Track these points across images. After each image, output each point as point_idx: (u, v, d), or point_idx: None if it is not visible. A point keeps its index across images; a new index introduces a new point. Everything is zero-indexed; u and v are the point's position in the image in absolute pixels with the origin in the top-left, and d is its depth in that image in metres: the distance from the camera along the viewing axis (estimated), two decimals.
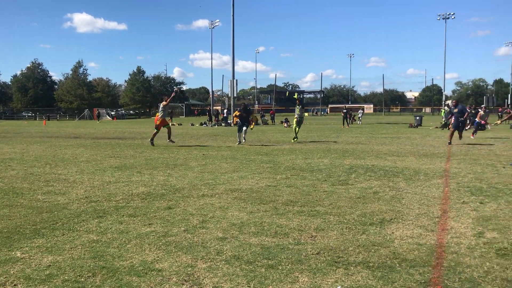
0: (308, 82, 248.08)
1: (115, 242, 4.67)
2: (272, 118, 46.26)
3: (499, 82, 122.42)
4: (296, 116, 18.94)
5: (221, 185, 7.97)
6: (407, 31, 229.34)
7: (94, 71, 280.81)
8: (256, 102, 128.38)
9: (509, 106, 75.09)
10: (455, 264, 3.97)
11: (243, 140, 17.28)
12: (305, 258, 4.16)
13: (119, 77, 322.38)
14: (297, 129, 18.82)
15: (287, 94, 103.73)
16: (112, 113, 78.26)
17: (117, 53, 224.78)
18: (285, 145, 16.71)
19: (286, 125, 35.66)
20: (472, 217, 5.69)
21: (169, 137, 16.63)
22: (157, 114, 16.74)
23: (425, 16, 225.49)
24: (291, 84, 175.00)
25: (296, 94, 20.22)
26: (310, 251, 4.36)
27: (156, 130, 16.55)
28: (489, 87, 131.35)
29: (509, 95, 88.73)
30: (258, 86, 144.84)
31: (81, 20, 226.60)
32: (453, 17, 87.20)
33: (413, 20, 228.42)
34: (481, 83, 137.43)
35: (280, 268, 3.93)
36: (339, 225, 5.30)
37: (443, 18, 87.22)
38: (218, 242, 4.67)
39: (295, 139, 18.52)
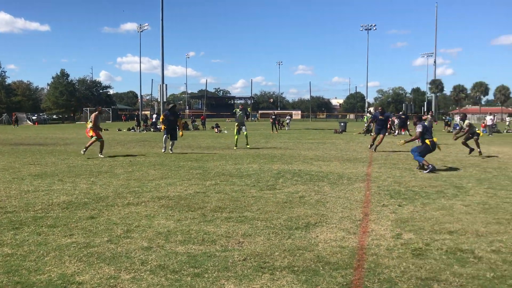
0: (239, 88, 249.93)
1: (32, 255, 4.41)
2: (203, 124, 46.00)
3: (416, 91, 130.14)
4: (237, 122, 18.09)
5: (147, 193, 7.79)
6: (332, 40, 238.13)
7: (14, 73, 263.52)
8: (187, 107, 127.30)
9: (426, 113, 79.83)
10: (375, 266, 4.15)
11: (170, 151, 15.53)
12: (232, 265, 4.17)
13: (42, 80, 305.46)
14: (236, 136, 18.01)
15: (271, 101, 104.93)
16: (33, 117, 73.99)
17: (40, 55, 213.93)
18: (215, 151, 16.67)
19: (217, 131, 35.62)
20: (391, 219, 5.98)
21: (101, 151, 14.98)
22: (88, 124, 15.03)
23: (349, 27, 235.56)
24: (222, 90, 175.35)
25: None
26: (237, 257, 4.37)
27: (95, 139, 14.39)
28: (407, 95, 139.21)
29: (425, 103, 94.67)
30: (189, 91, 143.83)
31: None
32: (374, 28, 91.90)
33: (338, 30, 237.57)
34: (400, 91, 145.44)
35: (207, 276, 3.90)
36: (266, 230, 5.36)
37: (366, 29, 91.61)
38: (143, 251, 4.55)
39: (247, 146, 18.19)
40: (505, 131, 38.79)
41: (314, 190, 8.13)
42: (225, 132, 35.79)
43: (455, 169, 11.27)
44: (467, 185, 8.69)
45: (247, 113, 18.30)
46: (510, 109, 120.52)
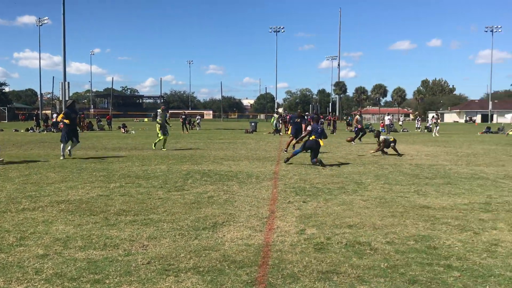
0: (147, 87, 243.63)
1: None
2: (109, 123, 44.22)
3: (322, 92, 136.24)
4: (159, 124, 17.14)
5: (46, 197, 7.30)
6: (243, 41, 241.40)
7: None
8: (92, 106, 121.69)
9: (331, 114, 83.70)
10: (279, 262, 4.24)
11: (69, 155, 13.60)
12: (135, 269, 4.03)
13: None
14: (161, 138, 17.03)
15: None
16: None
17: None
18: (122, 152, 16.09)
19: (124, 131, 34.43)
20: (296, 215, 6.16)
21: None
22: None
23: (259, 28, 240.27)
24: (129, 88, 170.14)
25: None
26: (141, 261, 4.24)
27: None
28: (314, 96, 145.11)
29: (330, 104, 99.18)
30: (94, 90, 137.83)
31: None
32: (283, 30, 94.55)
33: (248, 32, 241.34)
34: (308, 93, 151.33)
35: (108, 282, 3.73)
36: (172, 232, 5.26)
37: (275, 31, 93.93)
38: (38, 260, 4.25)
39: (162, 148, 17.15)
40: (401, 130, 41.81)
41: (223, 189, 8.14)
42: (133, 132, 34.71)
43: (356, 166, 11.92)
44: (366, 181, 9.22)
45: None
46: (406, 109, 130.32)
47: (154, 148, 17.30)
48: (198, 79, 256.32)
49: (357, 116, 22.76)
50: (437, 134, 31.92)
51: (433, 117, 35.86)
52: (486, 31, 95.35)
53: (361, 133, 21.72)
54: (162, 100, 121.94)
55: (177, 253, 4.47)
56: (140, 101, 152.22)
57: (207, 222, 5.71)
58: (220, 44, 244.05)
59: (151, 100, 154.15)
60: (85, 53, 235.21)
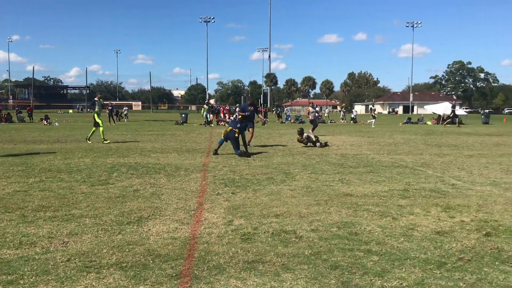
0: (72, 77, 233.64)
1: None
2: (30, 115, 41.81)
3: (253, 84, 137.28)
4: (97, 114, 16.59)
5: None
6: (173, 31, 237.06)
7: None
8: (11, 96, 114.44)
9: (263, 105, 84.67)
10: (205, 254, 4.21)
11: None
12: (53, 267, 3.83)
13: None
14: (102, 125, 16.46)
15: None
16: None
17: None
18: (43, 145, 15.25)
19: (46, 123, 32.68)
20: (224, 207, 6.15)
21: None
22: None
23: (189, 18, 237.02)
24: (53, 78, 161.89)
25: None
26: (60, 258, 4.04)
27: None
28: (245, 87, 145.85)
29: (261, 95, 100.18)
30: (13, 79, 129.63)
31: None
32: (213, 21, 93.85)
33: (178, 21, 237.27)
34: (239, 84, 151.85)
35: (22, 282, 3.52)
36: (94, 227, 5.07)
37: (205, 21, 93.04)
38: None
39: (88, 140, 16.47)
40: (329, 121, 43.14)
41: (149, 183, 7.96)
42: (56, 124, 33.07)
43: (285, 156, 12.13)
44: (294, 171, 9.41)
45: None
46: (334, 101, 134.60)
47: (106, 141, 16.15)
48: (126, 69, 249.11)
49: (309, 108, 21.40)
50: (373, 126, 32.85)
51: (371, 109, 37.12)
52: (408, 26, 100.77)
53: (312, 125, 20.38)
54: (88, 91, 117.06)
55: (99, 249, 4.31)
56: (65, 92, 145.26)
57: (132, 216, 5.55)
58: (149, 33, 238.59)
59: (76, 91, 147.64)
60: (2, 40, 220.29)
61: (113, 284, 3.51)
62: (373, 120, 34.04)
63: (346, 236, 4.83)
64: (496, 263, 4.06)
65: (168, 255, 4.16)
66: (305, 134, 15.52)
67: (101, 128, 16.36)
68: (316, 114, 36.97)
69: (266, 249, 4.36)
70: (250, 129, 14.13)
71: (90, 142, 16.14)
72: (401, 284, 3.58)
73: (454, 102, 39.31)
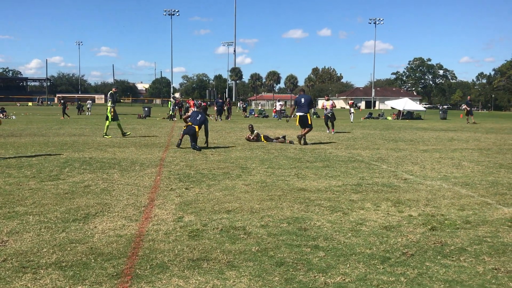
0: (32, 69, 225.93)
1: None
2: None
3: (218, 78, 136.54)
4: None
5: None
6: (137, 23, 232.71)
7: None
8: None
9: (227, 99, 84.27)
10: (150, 252, 4.12)
11: None
12: None
13: None
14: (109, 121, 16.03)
15: None
16: None
17: None
18: None
19: (2, 116, 31.51)
20: (176, 202, 6.06)
21: None
22: None
23: (153, 10, 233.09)
24: (11, 70, 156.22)
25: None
26: None
27: None
28: (210, 81, 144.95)
29: (226, 90, 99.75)
30: None
31: None
32: (177, 14, 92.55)
33: (142, 13, 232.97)
34: (204, 78, 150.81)
35: None
36: (37, 225, 4.89)
37: (169, 14, 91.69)
38: None
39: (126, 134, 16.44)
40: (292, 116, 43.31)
41: (102, 178, 7.76)
42: (13, 117, 31.97)
43: (244, 151, 12.10)
44: (251, 166, 9.39)
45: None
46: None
47: (108, 136, 15.75)
48: (88, 62, 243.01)
49: (324, 101, 21.68)
50: (351, 121, 32.60)
51: (351, 105, 37.15)
52: (370, 23, 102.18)
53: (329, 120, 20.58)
54: (49, 83, 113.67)
55: (39, 248, 4.15)
56: (24, 84, 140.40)
57: (79, 213, 5.39)
58: (112, 25, 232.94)
59: (36, 83, 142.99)
60: None
61: (49, 285, 3.39)
62: (352, 114, 33.97)
63: (295, 231, 4.84)
64: (438, 257, 4.15)
65: (111, 253, 4.05)
66: (255, 131, 15.47)
67: (107, 122, 15.96)
68: (279, 108, 37.38)
69: (213, 246, 4.31)
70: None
71: (109, 137, 15.75)
72: (344, 280, 3.61)
73: (469, 97, 38.49)
